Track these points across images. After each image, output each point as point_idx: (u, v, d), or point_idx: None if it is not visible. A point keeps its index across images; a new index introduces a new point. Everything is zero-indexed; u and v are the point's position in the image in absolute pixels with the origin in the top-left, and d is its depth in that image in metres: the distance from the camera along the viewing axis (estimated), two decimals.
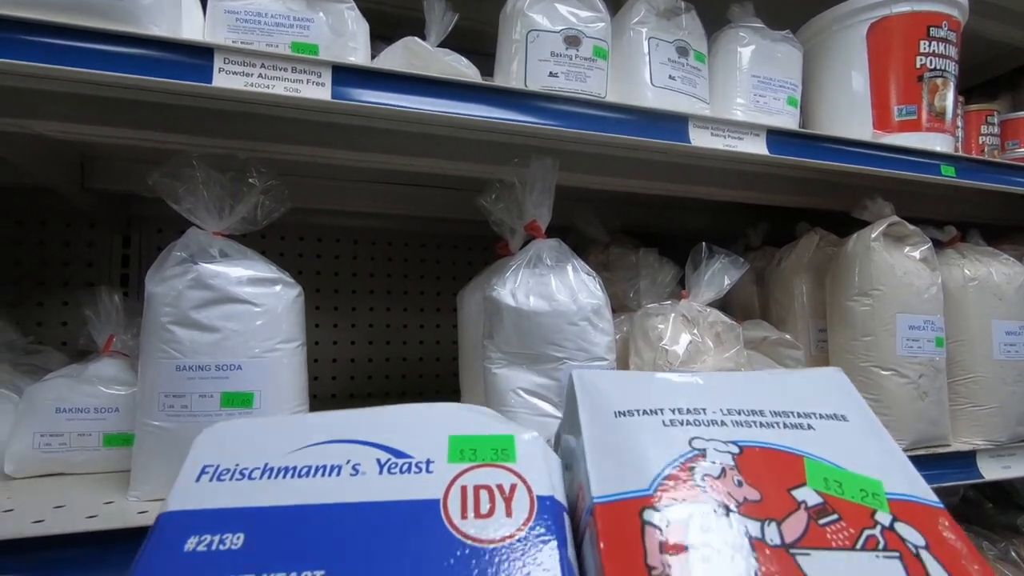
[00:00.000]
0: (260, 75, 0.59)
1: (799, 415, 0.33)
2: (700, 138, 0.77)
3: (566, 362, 0.71)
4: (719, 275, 0.84)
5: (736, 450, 0.30)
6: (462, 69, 0.81)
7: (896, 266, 0.90)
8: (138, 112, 0.72)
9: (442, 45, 0.82)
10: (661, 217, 1.42)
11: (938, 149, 0.92)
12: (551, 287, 0.72)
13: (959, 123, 1.25)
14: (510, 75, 0.83)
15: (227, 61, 0.58)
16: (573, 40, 0.83)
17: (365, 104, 0.63)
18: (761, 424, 0.31)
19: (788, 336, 0.95)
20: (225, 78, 0.58)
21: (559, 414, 0.72)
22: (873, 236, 0.91)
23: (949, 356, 0.94)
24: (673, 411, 0.31)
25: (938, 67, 0.93)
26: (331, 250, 1.35)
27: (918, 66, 0.93)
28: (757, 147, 0.79)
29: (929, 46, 0.93)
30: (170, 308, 0.61)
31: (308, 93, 0.60)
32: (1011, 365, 0.94)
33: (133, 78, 0.55)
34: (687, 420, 0.31)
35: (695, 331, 0.79)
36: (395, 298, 1.39)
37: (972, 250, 1.01)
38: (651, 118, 0.75)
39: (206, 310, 0.61)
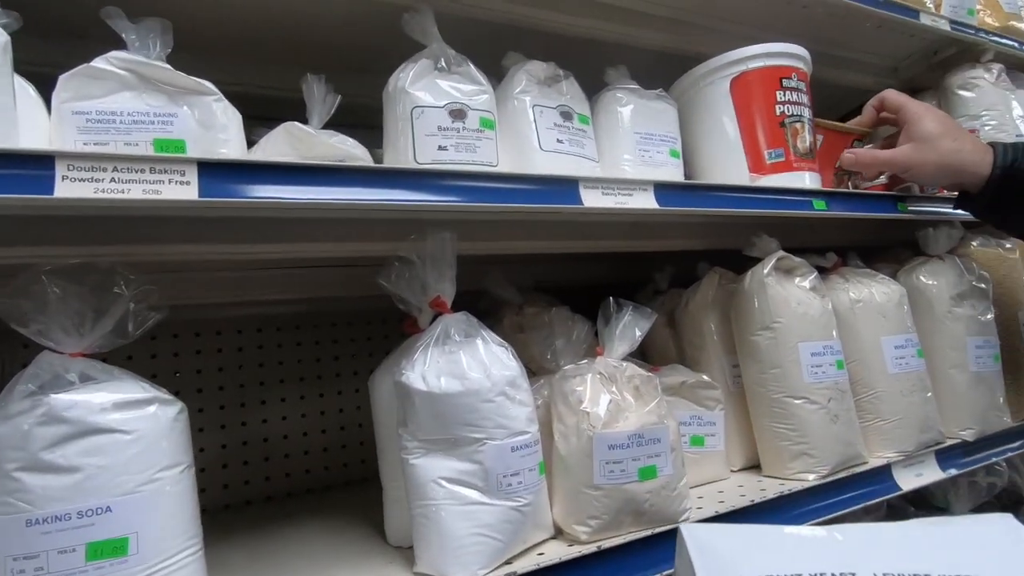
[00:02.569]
0: (113, 179, 0.54)
1: None
2: (591, 199, 0.78)
3: (486, 442, 0.68)
4: (630, 328, 0.84)
5: None
6: (349, 150, 0.79)
7: (790, 298, 0.95)
8: None
9: (329, 122, 0.80)
10: (571, 271, 1.44)
11: (808, 185, 1.00)
12: (462, 365, 0.69)
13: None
14: (399, 150, 0.82)
15: (71, 168, 0.53)
16: (458, 113, 0.83)
17: (240, 201, 0.59)
18: None
19: (705, 377, 0.97)
20: (70, 187, 0.52)
21: (487, 500, 0.67)
22: (765, 272, 0.96)
23: (851, 376, 0.99)
24: None
25: (795, 113, 1.03)
26: (233, 342, 1.25)
27: (778, 113, 1.02)
28: (647, 202, 0.82)
29: (784, 95, 1.02)
30: (16, 451, 0.52)
31: (171, 194, 0.56)
32: (905, 377, 1.01)
33: None
34: None
35: (614, 388, 0.78)
36: (308, 384, 1.30)
37: (854, 273, 1.09)
38: (543, 184, 0.76)
39: (62, 448, 0.53)
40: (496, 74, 0.93)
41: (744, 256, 1.04)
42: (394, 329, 1.40)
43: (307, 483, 1.27)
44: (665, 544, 0.74)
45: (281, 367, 1.29)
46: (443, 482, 0.67)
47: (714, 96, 1.04)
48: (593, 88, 1.01)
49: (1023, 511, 1.29)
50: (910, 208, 1.13)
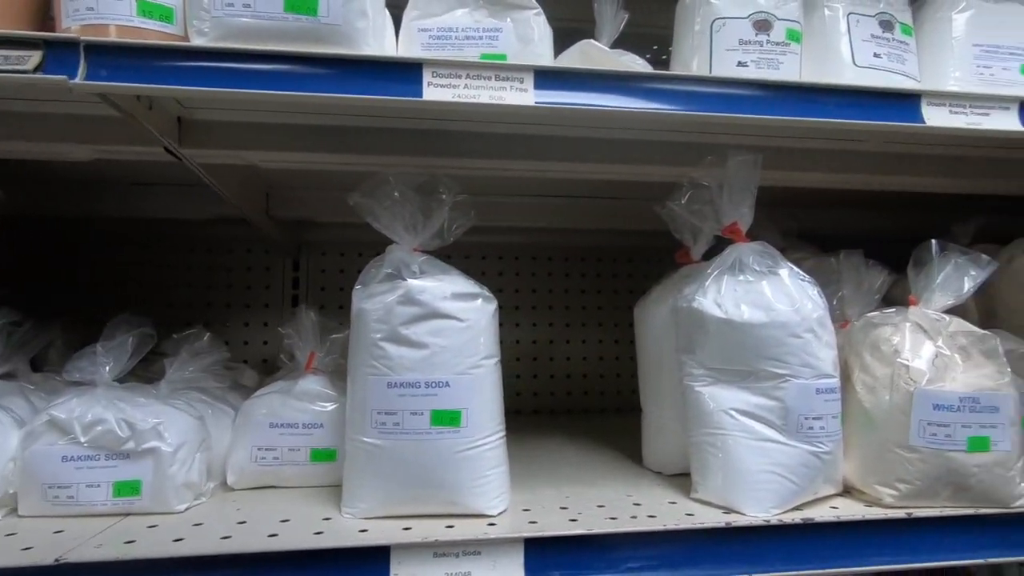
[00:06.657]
0: (466, 85, 0.58)
1: None
2: (936, 117, 0.66)
3: (789, 379, 0.63)
4: (955, 277, 0.71)
5: None
6: (640, 70, 0.77)
7: None
8: (335, 137, 0.75)
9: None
10: (828, 218, 1.27)
11: None
12: (766, 295, 0.64)
13: None
14: (691, 71, 0.77)
15: (435, 75, 0.58)
16: (763, 24, 0.75)
17: (565, 106, 0.60)
18: None
19: None
20: (434, 91, 0.57)
21: (784, 439, 0.63)
22: None
23: None
24: None
25: None
26: (528, 267, 1.37)
27: None
28: (1008, 122, 0.67)
29: None
30: (381, 324, 0.61)
31: (511, 99, 0.59)
32: None
33: (351, 98, 0.56)
34: None
35: (939, 342, 0.67)
36: (574, 313, 1.38)
37: None
38: (876, 97, 0.66)
39: (415, 326, 0.61)
40: None
41: None
42: (653, 269, 1.40)
43: (583, 404, 1.35)
44: (991, 529, 0.63)
45: (566, 295, 1.37)
46: (735, 414, 0.64)
47: None
48: None
49: None
50: None
